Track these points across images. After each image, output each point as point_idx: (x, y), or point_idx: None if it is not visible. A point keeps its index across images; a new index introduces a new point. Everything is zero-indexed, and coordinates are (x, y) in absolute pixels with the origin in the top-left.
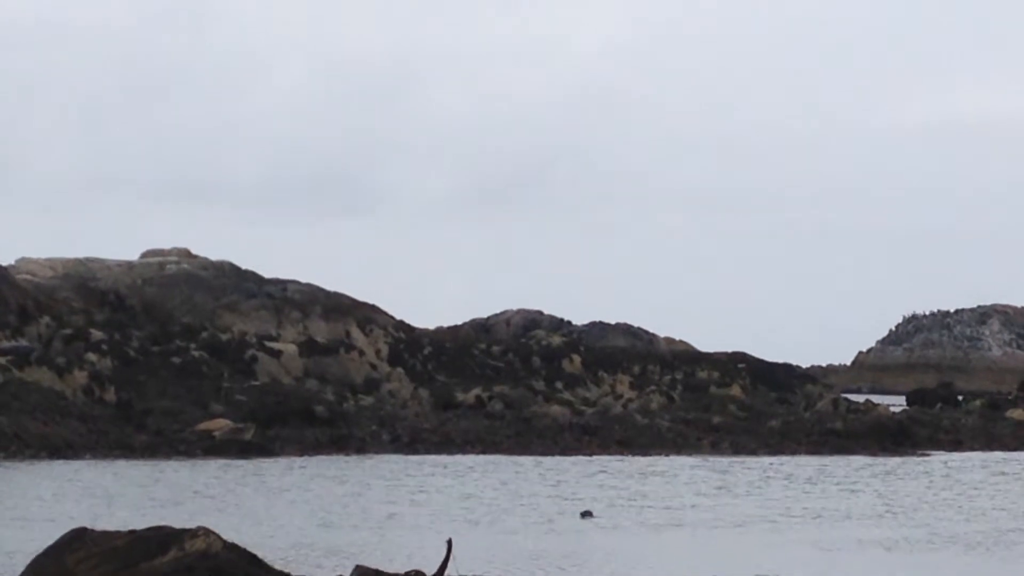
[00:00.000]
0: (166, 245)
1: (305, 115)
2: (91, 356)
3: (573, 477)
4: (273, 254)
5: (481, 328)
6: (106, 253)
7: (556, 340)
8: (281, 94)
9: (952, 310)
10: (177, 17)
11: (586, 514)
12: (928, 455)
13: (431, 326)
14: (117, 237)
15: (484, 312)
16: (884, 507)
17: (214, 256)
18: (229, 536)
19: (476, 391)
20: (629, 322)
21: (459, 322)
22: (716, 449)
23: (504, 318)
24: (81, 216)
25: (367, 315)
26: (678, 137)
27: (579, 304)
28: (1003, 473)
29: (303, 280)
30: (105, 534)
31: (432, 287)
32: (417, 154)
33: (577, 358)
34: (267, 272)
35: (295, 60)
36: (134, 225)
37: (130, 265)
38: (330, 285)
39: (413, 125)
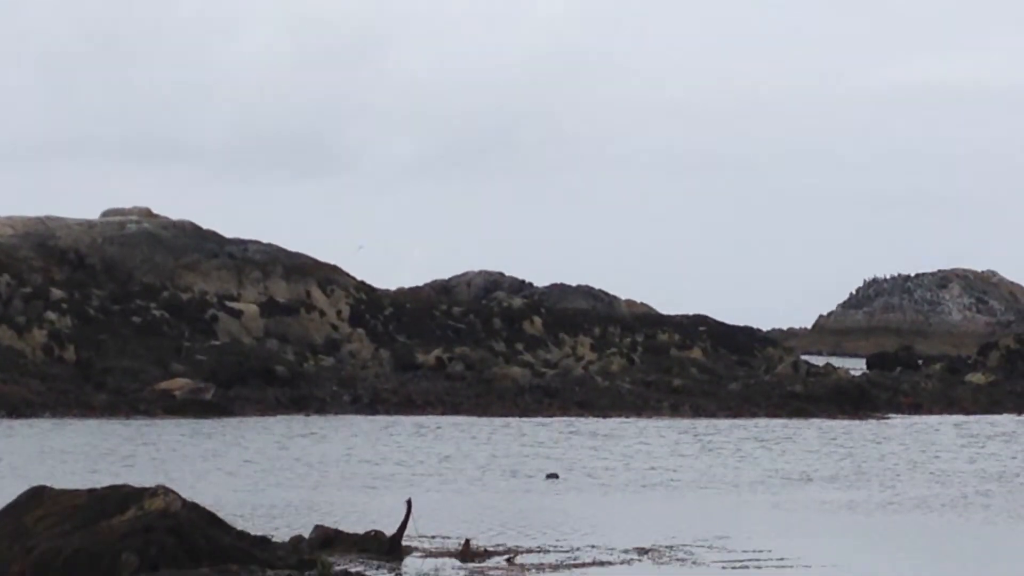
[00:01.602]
0: (127, 204)
1: (270, 76)
2: (51, 315)
3: (537, 439)
4: (235, 215)
5: (442, 289)
6: (66, 212)
7: (517, 302)
8: (247, 55)
9: (912, 274)
10: None
11: (551, 476)
12: (888, 418)
13: (392, 287)
14: (78, 196)
15: (445, 273)
16: (846, 470)
17: (175, 216)
18: (188, 495)
19: (437, 352)
20: (590, 284)
21: (420, 283)
22: (676, 411)
23: (465, 279)
24: (41, 175)
25: (328, 276)
26: (642, 100)
27: (540, 266)
28: (969, 436)
29: (264, 240)
30: (64, 493)
31: (394, 248)
32: (381, 116)
33: (538, 320)
34: (228, 232)
35: (261, 21)
36: (95, 184)
37: (90, 224)
38: (292, 246)
39: (378, 87)
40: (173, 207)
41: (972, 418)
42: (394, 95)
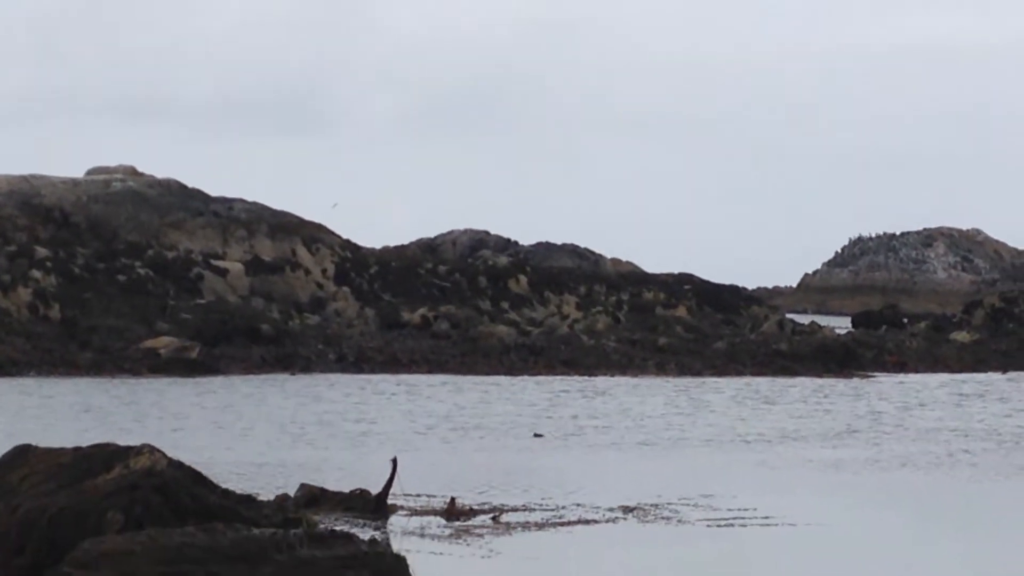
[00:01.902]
0: (112, 163)
1: (256, 35)
2: (36, 273)
3: (522, 397)
4: (220, 173)
5: (428, 248)
6: (51, 170)
7: (502, 260)
8: (232, 13)
9: (898, 232)
10: None
11: (537, 435)
12: (873, 377)
13: (378, 245)
14: (62, 154)
15: (431, 232)
16: (831, 428)
17: (160, 174)
18: (173, 454)
19: (422, 311)
20: (575, 243)
21: (406, 242)
22: (662, 370)
23: (451, 238)
24: (26, 133)
25: (313, 234)
26: (629, 59)
27: (526, 225)
28: (955, 394)
29: (249, 199)
30: (49, 451)
31: (379, 207)
32: (367, 74)
33: (523, 278)
34: (213, 191)
35: None
36: (80, 142)
37: (75, 182)
38: (277, 204)
39: (364, 45)
40: (158, 165)
41: (957, 376)
42: (380, 53)
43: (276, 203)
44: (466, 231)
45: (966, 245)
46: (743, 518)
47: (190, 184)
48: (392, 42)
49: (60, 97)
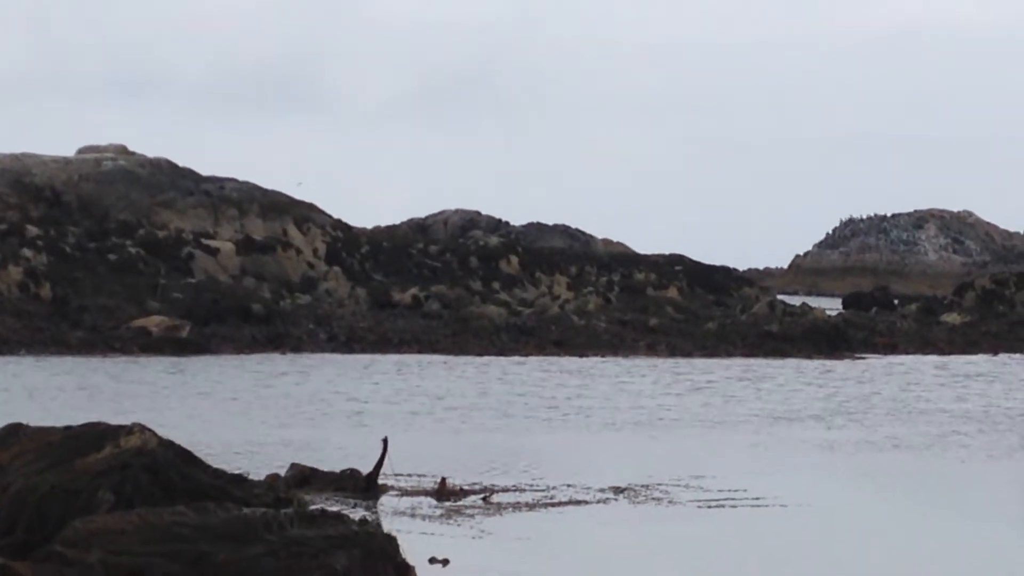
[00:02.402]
0: (103, 142)
1: (249, 14)
2: (26, 252)
3: (513, 377)
4: (211, 153)
5: (419, 228)
6: (42, 149)
7: (494, 241)
8: None
9: (889, 214)
10: None
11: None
12: (863, 358)
13: (369, 225)
14: (53, 133)
15: (422, 212)
16: (822, 409)
17: (151, 153)
18: (164, 433)
19: (413, 291)
20: (567, 223)
21: (397, 222)
22: (652, 351)
23: (442, 218)
24: (17, 112)
25: (304, 213)
26: (620, 41)
27: (517, 205)
28: (946, 376)
29: (241, 178)
30: (39, 430)
31: (371, 187)
32: (360, 54)
33: (514, 259)
34: (205, 170)
35: None
36: (71, 121)
37: (66, 161)
38: (269, 184)
39: (357, 25)
40: (149, 145)
41: (948, 358)
42: (373, 34)
43: (267, 183)
44: (457, 211)
45: (957, 227)
46: (734, 499)
47: (181, 163)
48: (385, 22)
49: (51, 76)
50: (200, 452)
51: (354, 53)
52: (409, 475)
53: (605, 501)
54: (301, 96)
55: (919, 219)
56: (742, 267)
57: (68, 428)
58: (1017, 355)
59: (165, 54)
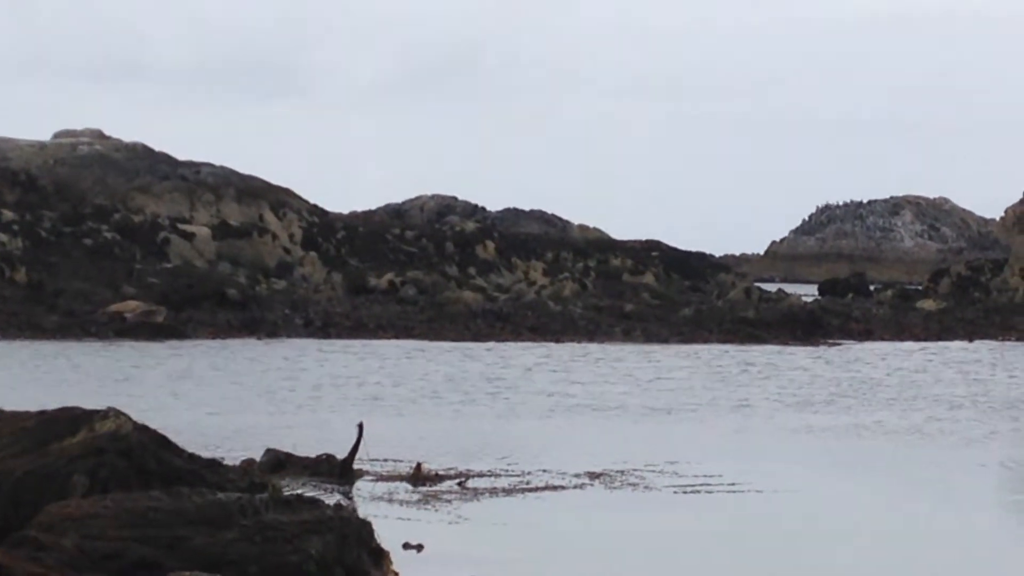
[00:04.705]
0: (78, 126)
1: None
2: (2, 236)
3: (490, 362)
4: (187, 137)
5: (395, 213)
6: (17, 133)
7: (470, 226)
8: None
9: (865, 200)
10: None
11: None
12: (839, 344)
13: (345, 210)
14: (29, 117)
15: (398, 197)
16: (799, 395)
17: (127, 138)
18: (139, 418)
19: (389, 276)
20: (543, 209)
21: (373, 207)
22: (628, 336)
23: (418, 203)
24: None
25: (281, 198)
26: (598, 27)
27: (493, 190)
28: (923, 362)
29: (217, 163)
30: (14, 415)
31: (347, 172)
32: (338, 40)
33: (491, 244)
34: (181, 155)
35: None
36: (47, 105)
37: (42, 145)
38: (245, 169)
39: (336, 10)
40: (125, 129)
41: (926, 344)
42: (350, 20)
43: (244, 167)
44: (434, 197)
45: (933, 214)
46: (709, 484)
47: (157, 148)
48: (362, 9)
49: (27, 61)
50: (175, 437)
51: (331, 39)
52: (384, 460)
53: (581, 486)
54: (277, 81)
55: (895, 205)
56: (718, 253)
57: (43, 412)
58: (992, 341)
59: (141, 39)
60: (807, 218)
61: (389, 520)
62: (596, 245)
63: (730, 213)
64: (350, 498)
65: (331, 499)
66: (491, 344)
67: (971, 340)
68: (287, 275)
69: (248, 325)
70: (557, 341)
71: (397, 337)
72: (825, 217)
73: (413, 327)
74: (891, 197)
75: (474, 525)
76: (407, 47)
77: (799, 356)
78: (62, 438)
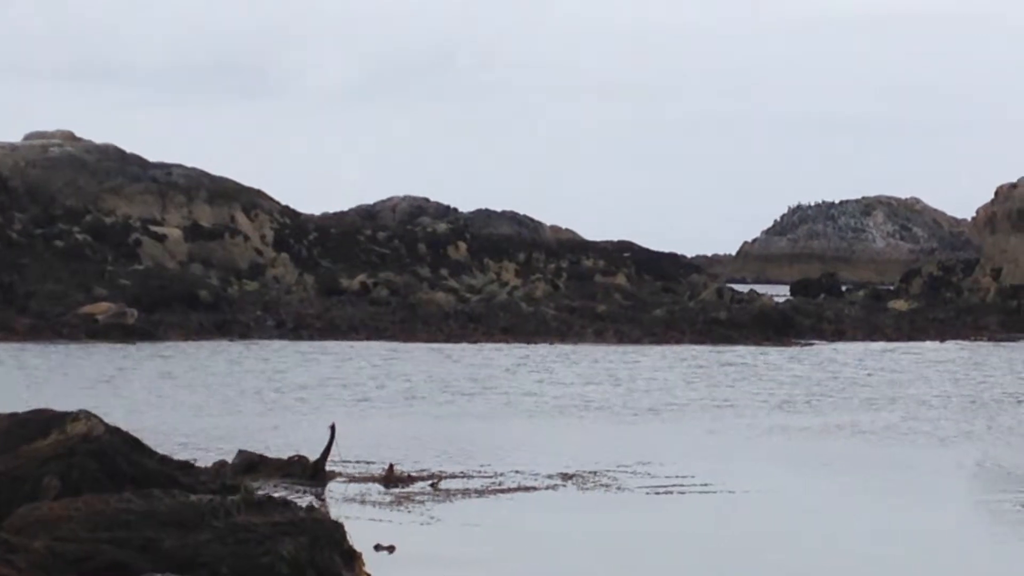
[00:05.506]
0: (49, 127)
1: (197, 0)
2: None
3: (461, 364)
4: (159, 138)
5: (367, 214)
6: None
7: (442, 227)
8: None
9: (837, 201)
10: None
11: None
12: (811, 344)
13: (317, 212)
14: (0, 119)
15: (370, 198)
16: (770, 396)
17: (98, 139)
18: (111, 420)
19: (361, 277)
20: (515, 210)
21: (345, 208)
22: (600, 337)
23: (390, 205)
24: None
25: (252, 200)
26: (569, 28)
27: (465, 191)
28: (895, 362)
29: (189, 164)
30: None
31: (319, 173)
32: (310, 41)
33: (463, 245)
34: (152, 156)
35: None
36: (17, 107)
37: (12, 147)
38: (216, 170)
39: (308, 12)
40: (96, 131)
41: (896, 344)
42: (322, 21)
43: (215, 169)
44: (405, 198)
45: (905, 214)
46: (681, 485)
47: (129, 149)
48: (334, 10)
49: None
50: (147, 438)
51: (302, 39)
52: (357, 461)
53: (553, 487)
54: (249, 82)
55: (867, 206)
56: (690, 254)
57: (14, 415)
58: (964, 341)
59: (113, 40)
60: (779, 219)
61: (361, 521)
62: (568, 246)
63: (702, 214)
64: (322, 500)
65: (303, 501)
66: (464, 345)
67: (943, 340)
68: (259, 276)
69: (220, 327)
70: (529, 342)
71: (369, 339)
72: (797, 218)
73: (385, 328)
74: (863, 197)
75: (446, 526)
76: (379, 48)
77: (772, 356)
78: (33, 440)
